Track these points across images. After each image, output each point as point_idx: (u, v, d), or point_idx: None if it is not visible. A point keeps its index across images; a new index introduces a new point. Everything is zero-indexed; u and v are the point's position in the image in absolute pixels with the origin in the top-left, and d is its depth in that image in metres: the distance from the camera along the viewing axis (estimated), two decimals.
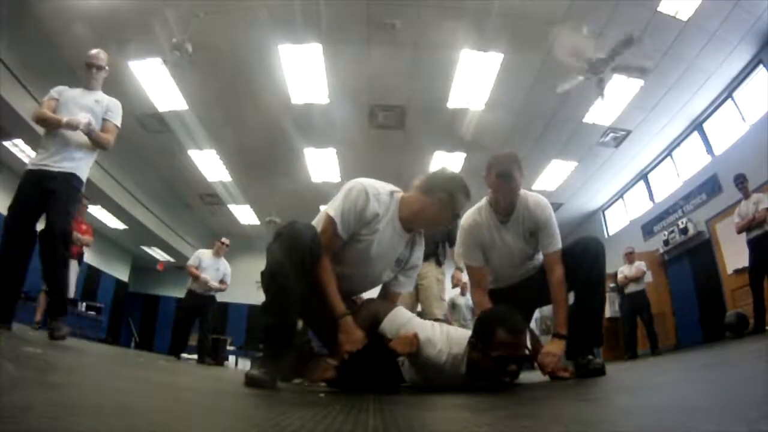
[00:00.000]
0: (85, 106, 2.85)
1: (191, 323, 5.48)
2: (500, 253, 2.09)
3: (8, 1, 4.90)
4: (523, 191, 2.05)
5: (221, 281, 5.57)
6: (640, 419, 0.73)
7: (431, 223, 1.79)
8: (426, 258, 3.18)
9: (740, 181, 5.23)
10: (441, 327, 1.74)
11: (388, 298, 1.88)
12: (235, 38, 5.64)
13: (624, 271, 6.68)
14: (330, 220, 1.65)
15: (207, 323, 5.53)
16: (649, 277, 6.85)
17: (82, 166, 2.87)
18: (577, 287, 1.98)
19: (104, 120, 2.91)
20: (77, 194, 2.87)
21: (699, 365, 2.09)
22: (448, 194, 1.73)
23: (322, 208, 1.81)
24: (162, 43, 5.32)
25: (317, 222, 1.75)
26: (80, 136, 2.80)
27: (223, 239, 5.74)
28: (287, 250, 1.48)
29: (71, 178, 2.78)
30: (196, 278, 5.38)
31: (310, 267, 1.54)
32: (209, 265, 5.51)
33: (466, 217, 2.12)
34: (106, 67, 3.03)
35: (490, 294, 2.12)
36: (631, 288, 6.57)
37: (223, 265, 5.67)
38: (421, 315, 2.79)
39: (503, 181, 1.94)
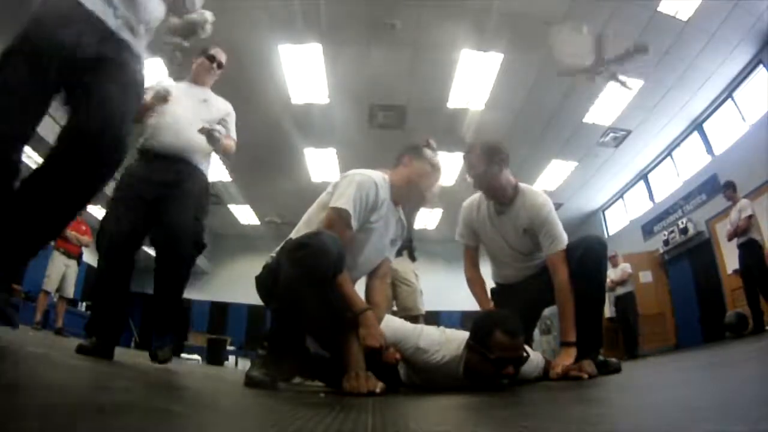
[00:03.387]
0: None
1: (139, 239, 2.16)
2: (492, 241, 2.13)
3: (8, 1, 4.90)
4: (526, 187, 2.08)
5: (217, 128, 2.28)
6: (640, 419, 0.73)
7: (419, 193, 1.82)
8: (399, 253, 3.12)
9: (726, 189, 5.31)
10: (437, 330, 1.73)
11: (378, 275, 1.84)
12: (235, 38, 5.63)
13: (610, 275, 6.68)
14: (343, 212, 1.59)
15: (182, 234, 2.13)
16: (648, 277, 6.85)
17: None
18: (578, 290, 1.92)
19: None
20: None
21: (699, 365, 2.09)
22: (429, 162, 1.79)
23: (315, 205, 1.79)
24: (162, 43, 5.32)
25: (312, 216, 1.75)
26: None
27: (206, 50, 2.50)
28: (312, 265, 1.41)
29: None
30: (145, 114, 2.12)
31: (330, 280, 1.50)
32: (183, 95, 2.33)
33: (468, 199, 2.22)
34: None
35: (498, 290, 2.15)
36: (619, 291, 6.60)
37: (217, 101, 2.48)
38: (395, 313, 2.78)
39: (466, 168, 2.08)
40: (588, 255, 1.91)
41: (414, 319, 3.00)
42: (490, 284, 2.32)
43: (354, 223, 1.61)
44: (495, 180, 2.01)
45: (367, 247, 1.74)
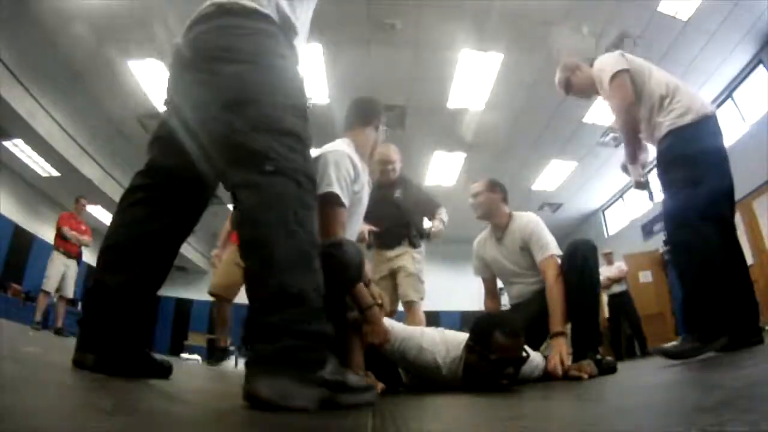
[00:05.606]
0: None
1: None
2: (499, 266, 2.41)
3: (8, 1, 4.89)
4: (517, 213, 2.40)
5: None
6: (640, 419, 0.73)
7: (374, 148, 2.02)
8: (398, 241, 3.07)
9: None
10: (437, 331, 1.74)
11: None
12: None
13: (604, 272, 6.68)
14: (331, 196, 1.54)
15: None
16: (648, 277, 6.84)
17: None
18: (570, 290, 2.03)
19: None
20: None
21: (699, 365, 2.09)
22: (380, 119, 1.97)
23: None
24: (162, 43, 5.32)
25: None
26: None
27: None
28: (329, 279, 1.31)
29: None
30: None
31: (347, 289, 1.49)
32: None
33: (476, 238, 2.54)
34: None
35: (513, 309, 2.36)
36: (614, 289, 6.59)
37: None
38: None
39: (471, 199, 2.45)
40: (575, 254, 2.07)
41: (407, 305, 2.98)
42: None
43: (345, 202, 1.59)
44: (494, 204, 2.37)
45: (356, 215, 1.74)
